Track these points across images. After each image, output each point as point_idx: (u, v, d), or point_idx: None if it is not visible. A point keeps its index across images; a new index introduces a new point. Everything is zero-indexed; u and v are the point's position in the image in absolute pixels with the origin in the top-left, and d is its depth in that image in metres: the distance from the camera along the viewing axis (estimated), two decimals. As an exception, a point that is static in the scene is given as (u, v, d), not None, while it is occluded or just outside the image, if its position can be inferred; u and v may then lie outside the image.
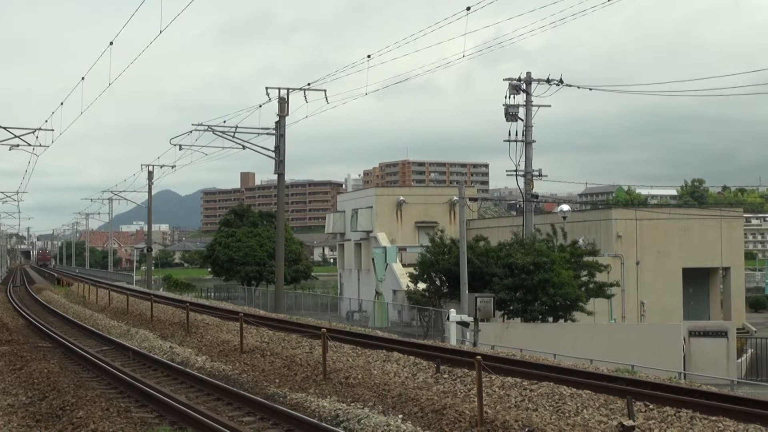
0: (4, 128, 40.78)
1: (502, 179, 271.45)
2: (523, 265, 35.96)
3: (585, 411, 13.25)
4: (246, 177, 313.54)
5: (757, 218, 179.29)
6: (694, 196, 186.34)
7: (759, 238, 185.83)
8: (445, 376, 16.66)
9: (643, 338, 34.31)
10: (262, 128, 41.94)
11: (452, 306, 35.62)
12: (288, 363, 19.13)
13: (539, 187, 44.05)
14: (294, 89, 40.71)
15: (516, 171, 41.35)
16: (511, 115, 40.98)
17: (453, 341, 29.89)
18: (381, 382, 16.21)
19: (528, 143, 41.51)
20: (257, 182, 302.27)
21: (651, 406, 13.18)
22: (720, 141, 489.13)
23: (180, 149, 46.51)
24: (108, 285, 57.82)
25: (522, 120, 41.37)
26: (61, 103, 39.13)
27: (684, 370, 30.46)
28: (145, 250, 77.24)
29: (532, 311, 36.28)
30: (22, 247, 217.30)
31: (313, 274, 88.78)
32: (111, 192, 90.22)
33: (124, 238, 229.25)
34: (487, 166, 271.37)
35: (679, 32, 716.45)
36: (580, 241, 44.03)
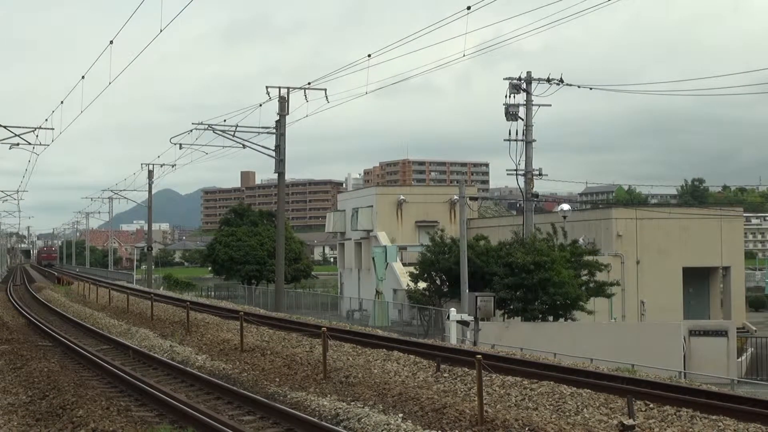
0: (5, 127, 40.79)
1: (502, 178, 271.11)
2: (523, 264, 35.96)
3: (585, 410, 13.25)
4: (246, 176, 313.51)
5: (757, 217, 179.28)
6: (694, 196, 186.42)
7: (759, 237, 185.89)
8: (446, 375, 16.66)
9: (643, 337, 34.33)
10: (263, 127, 41.98)
11: (452, 305, 35.65)
12: (288, 362, 19.12)
13: (539, 187, 44.17)
14: (294, 88, 40.72)
15: (516, 170, 41.37)
16: (511, 114, 41.00)
17: (453, 340, 29.90)
18: (381, 381, 16.21)
19: (528, 142, 41.52)
20: (257, 181, 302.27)
21: (651, 406, 13.18)
22: (720, 141, 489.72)
23: (180, 148, 46.57)
24: (108, 284, 57.82)
25: (522, 119, 41.39)
26: (61, 102, 39.14)
27: (684, 369, 30.47)
28: (146, 249, 77.27)
29: (533, 310, 36.29)
30: (23, 246, 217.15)
31: (313, 273, 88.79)
32: (111, 191, 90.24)
33: (125, 237, 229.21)
34: (487, 165, 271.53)
35: (679, 34, 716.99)
36: (581, 241, 44.07)
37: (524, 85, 41.22)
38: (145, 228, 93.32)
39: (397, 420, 12.56)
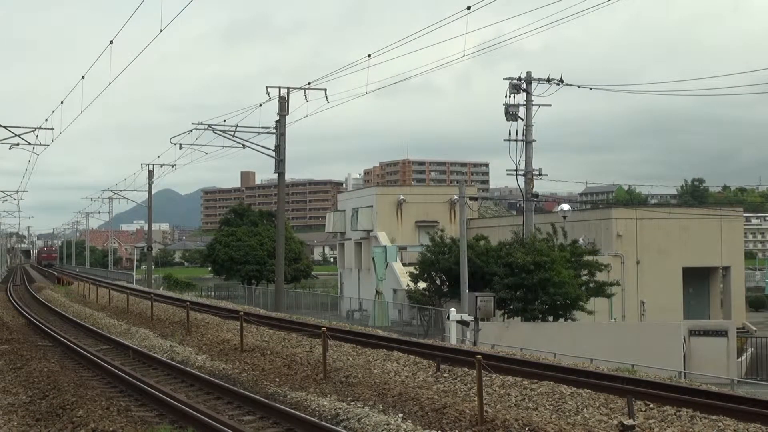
0: (5, 127, 40.80)
1: (502, 178, 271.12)
2: (523, 264, 35.96)
3: (585, 410, 13.25)
4: (246, 176, 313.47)
5: (757, 217, 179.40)
6: (694, 196, 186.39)
7: (759, 237, 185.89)
8: (446, 375, 16.66)
9: (643, 337, 34.33)
10: (263, 127, 41.98)
11: (452, 305, 35.64)
12: (288, 362, 19.12)
13: (539, 187, 44.17)
14: (294, 88, 40.73)
15: (516, 170, 41.37)
16: (511, 114, 41.00)
17: (453, 340, 29.90)
18: (381, 381, 16.21)
19: (528, 142, 41.52)
20: (257, 181, 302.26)
21: (651, 406, 13.18)
22: (720, 141, 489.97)
23: (180, 148, 46.57)
24: (108, 284, 57.82)
25: (522, 119, 41.38)
26: (62, 102, 39.14)
27: (684, 369, 30.47)
28: (146, 249, 77.28)
29: (533, 310, 36.29)
30: (22, 246, 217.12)
31: (313, 273, 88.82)
32: (111, 191, 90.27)
33: (125, 237, 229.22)
34: (487, 165, 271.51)
35: (679, 34, 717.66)
36: (581, 241, 44.06)
37: (524, 85, 41.21)
38: (145, 228, 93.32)
39: (397, 420, 12.56)
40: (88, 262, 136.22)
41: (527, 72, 41.44)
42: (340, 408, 13.70)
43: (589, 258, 40.28)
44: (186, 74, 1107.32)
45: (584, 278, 39.00)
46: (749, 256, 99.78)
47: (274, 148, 41.25)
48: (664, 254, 51.76)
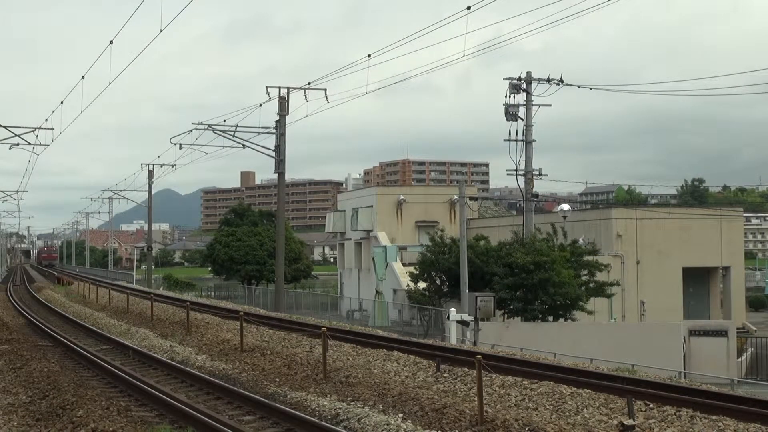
0: (5, 127, 40.80)
1: (502, 178, 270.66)
2: (523, 264, 35.95)
3: (585, 410, 13.25)
4: (246, 176, 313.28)
5: (757, 218, 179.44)
6: (694, 196, 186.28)
7: (759, 237, 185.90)
8: (446, 375, 16.66)
9: (643, 337, 34.33)
10: (263, 127, 41.97)
11: (452, 305, 35.63)
12: (288, 362, 19.13)
13: (539, 187, 44.13)
14: (294, 88, 40.72)
15: (516, 170, 41.35)
16: (511, 114, 40.98)
17: (453, 340, 29.91)
18: (381, 381, 16.21)
19: (528, 142, 41.51)
20: (257, 181, 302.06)
21: (651, 406, 13.18)
22: (720, 141, 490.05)
23: (180, 148, 46.55)
24: (108, 284, 57.83)
25: (522, 119, 41.36)
26: (61, 102, 39.13)
27: (684, 369, 30.47)
28: (146, 249, 77.27)
29: (533, 310, 36.28)
30: (22, 246, 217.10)
31: (313, 273, 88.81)
32: (111, 191, 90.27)
33: (125, 237, 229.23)
34: (487, 165, 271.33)
35: (679, 34, 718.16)
36: (581, 241, 44.03)
37: (524, 85, 41.19)
38: (145, 228, 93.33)
39: (397, 420, 12.56)
40: (88, 262, 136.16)
41: (527, 72, 41.46)
42: (340, 408, 13.71)
43: (589, 258, 40.27)
44: (186, 74, 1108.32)
45: (584, 278, 38.99)
46: (749, 256, 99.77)
47: (274, 148, 41.24)
48: (664, 254, 51.74)
